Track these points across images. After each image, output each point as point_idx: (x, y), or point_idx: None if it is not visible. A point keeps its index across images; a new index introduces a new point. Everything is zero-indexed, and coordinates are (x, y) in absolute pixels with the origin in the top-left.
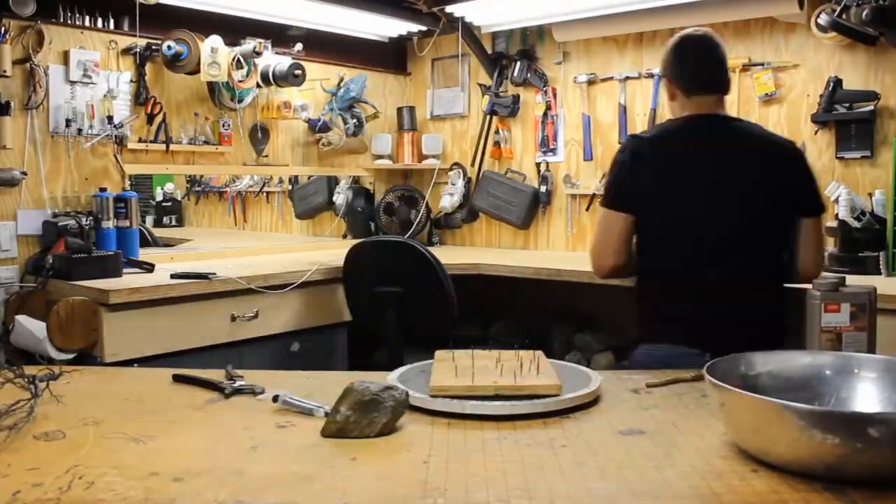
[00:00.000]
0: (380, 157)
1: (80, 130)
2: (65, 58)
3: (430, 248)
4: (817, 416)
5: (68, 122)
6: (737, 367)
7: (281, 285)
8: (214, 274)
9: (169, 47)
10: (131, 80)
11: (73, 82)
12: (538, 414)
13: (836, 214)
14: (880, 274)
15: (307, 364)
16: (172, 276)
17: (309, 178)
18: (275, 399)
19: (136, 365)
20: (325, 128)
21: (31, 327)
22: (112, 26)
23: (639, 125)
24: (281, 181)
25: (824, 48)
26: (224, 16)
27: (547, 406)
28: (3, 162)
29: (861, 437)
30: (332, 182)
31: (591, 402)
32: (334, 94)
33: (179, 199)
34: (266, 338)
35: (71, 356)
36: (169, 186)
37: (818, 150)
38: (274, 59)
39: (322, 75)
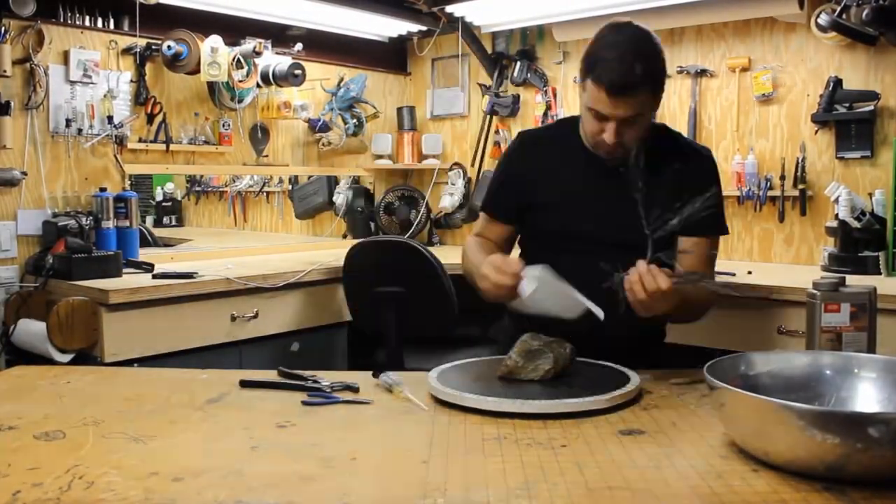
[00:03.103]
0: (380, 157)
1: (80, 130)
2: (65, 58)
3: (430, 248)
4: (817, 416)
5: (68, 122)
6: (737, 367)
7: (281, 285)
8: (197, 273)
9: (169, 47)
10: (131, 80)
11: (73, 82)
12: (539, 414)
13: (836, 214)
14: (880, 274)
15: (307, 364)
16: (154, 277)
17: (309, 178)
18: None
19: (136, 365)
20: (325, 128)
21: (32, 328)
22: (112, 26)
23: None
24: (281, 181)
25: (824, 48)
26: (224, 16)
27: (558, 407)
28: (3, 162)
29: (861, 437)
30: (332, 182)
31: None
32: (334, 94)
33: (179, 199)
34: (266, 338)
35: (71, 356)
36: (169, 186)
37: (818, 150)
38: (274, 59)
39: (322, 75)
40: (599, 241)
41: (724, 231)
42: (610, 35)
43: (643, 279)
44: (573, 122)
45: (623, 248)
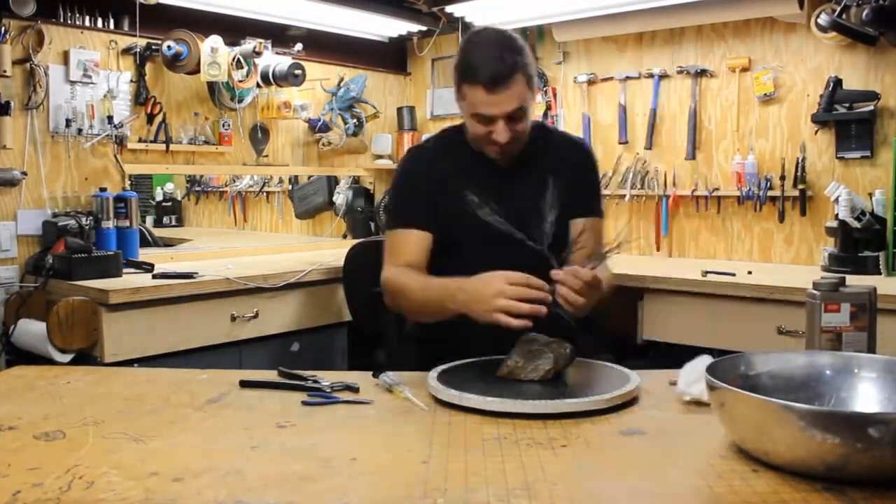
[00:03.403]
0: (380, 157)
1: (80, 130)
2: (65, 58)
3: None
4: (817, 416)
5: (68, 122)
6: (737, 367)
7: (281, 285)
8: (197, 273)
9: (169, 47)
10: (131, 80)
11: (73, 82)
12: (539, 414)
13: (836, 214)
14: (880, 274)
15: (307, 364)
16: (154, 277)
17: (309, 178)
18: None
19: (136, 365)
20: (325, 128)
21: (32, 328)
22: (112, 26)
23: (639, 125)
24: (281, 181)
25: (824, 48)
26: (224, 16)
27: (558, 407)
28: (3, 162)
29: (861, 437)
30: (332, 182)
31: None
32: (334, 94)
33: (179, 199)
34: (266, 338)
35: (71, 356)
36: (169, 186)
37: (818, 150)
38: (274, 59)
39: (322, 75)
40: (510, 240)
41: (601, 214)
42: (473, 39)
43: (568, 283)
44: (457, 130)
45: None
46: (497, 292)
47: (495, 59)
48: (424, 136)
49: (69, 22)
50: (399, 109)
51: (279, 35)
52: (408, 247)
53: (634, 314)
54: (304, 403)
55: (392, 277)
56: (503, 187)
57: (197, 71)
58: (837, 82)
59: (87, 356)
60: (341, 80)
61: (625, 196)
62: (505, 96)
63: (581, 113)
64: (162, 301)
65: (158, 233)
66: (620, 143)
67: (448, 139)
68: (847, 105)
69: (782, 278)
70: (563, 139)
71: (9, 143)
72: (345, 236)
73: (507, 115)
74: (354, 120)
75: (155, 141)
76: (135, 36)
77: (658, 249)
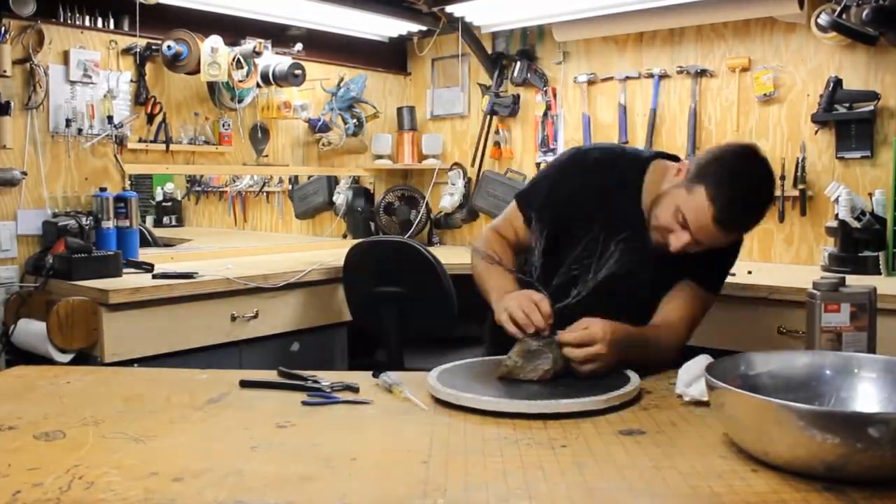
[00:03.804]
0: (380, 157)
1: (80, 130)
2: (65, 58)
3: (430, 248)
4: (817, 416)
5: (68, 122)
6: (737, 367)
7: (281, 285)
8: (197, 273)
9: (169, 47)
10: (131, 80)
11: (73, 82)
12: (539, 414)
13: (836, 214)
14: (880, 274)
15: (307, 364)
16: (154, 277)
17: (309, 178)
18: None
19: (136, 365)
20: (325, 128)
21: (32, 328)
22: (112, 26)
23: (639, 125)
24: (281, 181)
25: (824, 48)
26: (224, 16)
27: (557, 407)
28: (3, 162)
29: (861, 437)
30: (332, 182)
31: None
32: (334, 94)
33: (179, 199)
34: (266, 338)
35: (71, 356)
36: (169, 186)
37: (818, 150)
38: (274, 59)
39: (322, 75)
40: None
41: (716, 288)
42: (743, 168)
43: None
44: (638, 160)
45: (622, 302)
46: (507, 308)
47: (750, 217)
48: (586, 145)
49: (69, 22)
50: (399, 109)
51: (279, 35)
52: (512, 225)
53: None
54: (304, 403)
55: (485, 236)
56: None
57: (197, 71)
58: (837, 82)
59: (87, 356)
60: (341, 80)
61: None
62: (719, 237)
63: (581, 113)
64: (162, 301)
65: (158, 233)
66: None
67: (610, 161)
68: (847, 105)
69: (782, 278)
70: None
71: (9, 143)
72: (345, 236)
73: (700, 241)
74: (354, 120)
75: (155, 141)
76: (135, 36)
77: None
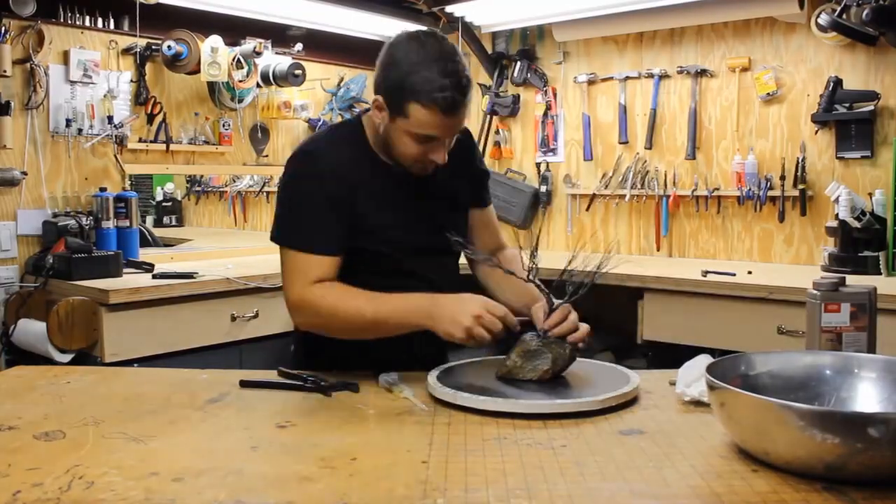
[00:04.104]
0: None
1: (80, 130)
2: (65, 58)
3: None
4: (817, 416)
5: (68, 122)
6: (737, 367)
7: (281, 285)
8: (197, 273)
9: (169, 47)
10: (131, 80)
11: (73, 82)
12: (539, 414)
13: (836, 214)
14: (880, 274)
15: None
16: (154, 277)
17: None
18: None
19: (136, 365)
20: None
21: (32, 328)
22: (112, 26)
23: (639, 125)
24: None
25: (824, 48)
26: (224, 16)
27: (557, 407)
28: (3, 162)
29: (861, 437)
30: None
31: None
32: (334, 94)
33: (179, 199)
34: (266, 338)
35: (71, 356)
36: (169, 186)
37: (818, 150)
38: (274, 59)
39: (322, 75)
40: (415, 251)
41: (490, 201)
42: (415, 50)
43: (566, 329)
44: (352, 127)
45: (436, 252)
46: (475, 315)
47: (453, 84)
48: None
49: (69, 22)
50: None
51: (279, 35)
52: (319, 267)
53: (634, 314)
54: (324, 387)
55: (319, 296)
56: (407, 193)
57: (197, 71)
58: (837, 82)
59: (87, 356)
60: (341, 80)
61: (625, 196)
62: (457, 120)
63: (581, 113)
64: (162, 301)
65: (158, 233)
66: (620, 143)
67: (344, 137)
68: (847, 105)
69: (782, 278)
70: None
71: (9, 143)
72: None
73: (451, 136)
74: None
75: (155, 141)
76: (135, 36)
77: (658, 249)
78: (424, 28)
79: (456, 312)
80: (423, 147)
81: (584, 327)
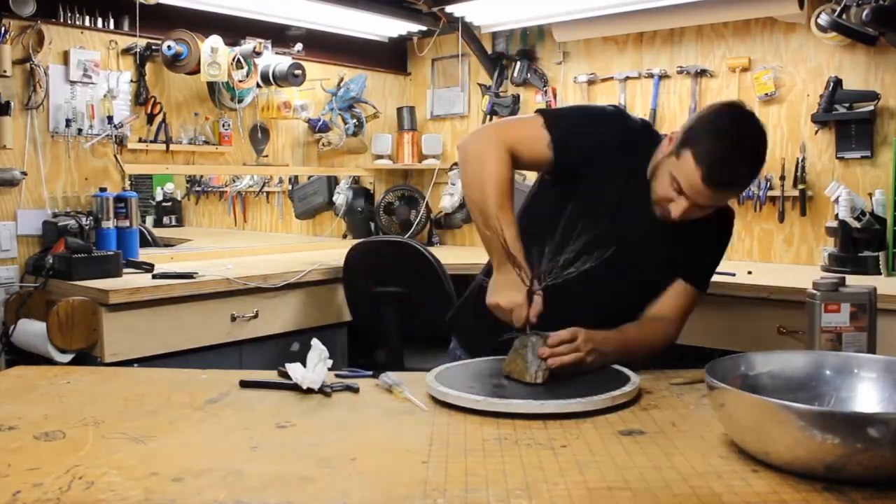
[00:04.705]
0: (380, 157)
1: (80, 130)
2: (65, 58)
3: (430, 248)
4: (817, 416)
5: (68, 122)
6: (737, 367)
7: (281, 285)
8: (197, 273)
9: (169, 47)
10: (131, 80)
11: (73, 82)
12: (539, 414)
13: (836, 214)
14: (880, 274)
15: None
16: (154, 277)
17: (309, 178)
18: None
19: (136, 365)
20: (325, 128)
21: (32, 328)
22: (112, 26)
23: None
24: (281, 181)
25: (824, 48)
26: (224, 16)
27: (557, 407)
28: (3, 162)
29: (861, 437)
30: (332, 182)
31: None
32: (334, 94)
33: (179, 199)
34: (266, 338)
35: (71, 356)
36: (169, 186)
37: (818, 150)
38: (274, 59)
39: (322, 75)
40: (611, 266)
41: (705, 287)
42: (735, 125)
43: (557, 353)
44: (656, 137)
45: (627, 282)
46: (507, 302)
47: (742, 175)
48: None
49: (69, 22)
50: (399, 109)
51: (279, 35)
52: (532, 147)
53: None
54: (338, 375)
55: (491, 154)
56: (650, 224)
57: (197, 71)
58: (837, 82)
59: (87, 356)
60: (341, 80)
61: None
62: (716, 194)
63: None
64: (162, 301)
65: (158, 233)
66: None
67: (648, 136)
68: (847, 105)
69: (782, 278)
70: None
71: (9, 143)
72: (345, 236)
73: (702, 206)
74: (354, 120)
75: (155, 141)
76: (135, 36)
77: None
78: (742, 105)
79: (501, 285)
80: (674, 194)
81: (575, 357)
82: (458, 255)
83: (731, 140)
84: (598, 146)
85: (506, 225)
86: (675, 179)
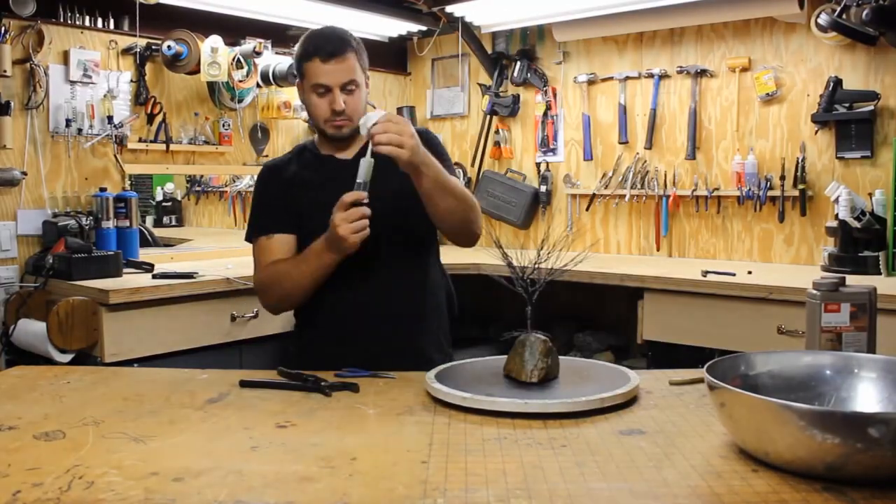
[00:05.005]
0: None
1: (80, 130)
2: (65, 58)
3: None
4: (817, 416)
5: (68, 122)
6: (737, 367)
7: None
8: (197, 273)
9: (169, 47)
10: (131, 80)
11: (73, 82)
12: (539, 414)
13: (836, 214)
14: (880, 274)
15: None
16: (154, 277)
17: None
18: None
19: (136, 365)
20: None
21: (32, 328)
22: (112, 26)
23: (639, 125)
24: None
25: (824, 48)
26: (224, 16)
27: (557, 407)
28: (3, 162)
29: (861, 437)
30: None
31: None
32: None
33: (179, 198)
34: (266, 338)
35: (71, 356)
36: (169, 186)
37: (818, 150)
38: (274, 59)
39: None
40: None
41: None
42: (308, 33)
43: (385, 130)
44: (304, 145)
45: (394, 232)
46: (335, 224)
47: (328, 38)
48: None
49: (69, 22)
50: (399, 109)
51: (279, 35)
52: (274, 249)
53: (634, 314)
54: (338, 375)
55: (265, 275)
56: (346, 178)
57: (197, 71)
58: (837, 82)
59: (87, 356)
60: None
61: (625, 196)
62: (339, 68)
63: (581, 113)
64: (162, 301)
65: (158, 233)
66: (620, 143)
67: (299, 151)
68: (847, 105)
69: (782, 278)
70: None
71: (9, 143)
72: None
73: (342, 84)
74: None
75: (155, 141)
76: (135, 36)
77: (658, 249)
78: None
79: (333, 233)
80: (325, 100)
81: (396, 139)
82: (459, 255)
83: (309, 33)
84: (270, 199)
85: (307, 258)
86: (314, 88)
